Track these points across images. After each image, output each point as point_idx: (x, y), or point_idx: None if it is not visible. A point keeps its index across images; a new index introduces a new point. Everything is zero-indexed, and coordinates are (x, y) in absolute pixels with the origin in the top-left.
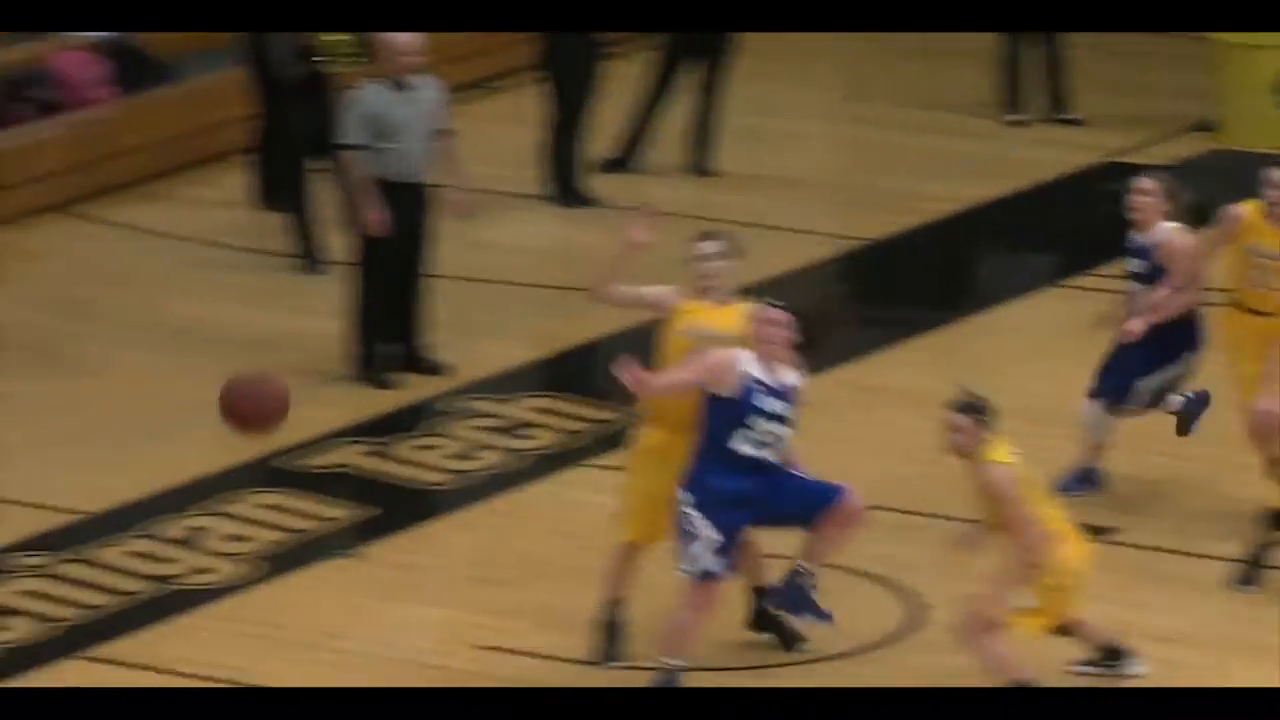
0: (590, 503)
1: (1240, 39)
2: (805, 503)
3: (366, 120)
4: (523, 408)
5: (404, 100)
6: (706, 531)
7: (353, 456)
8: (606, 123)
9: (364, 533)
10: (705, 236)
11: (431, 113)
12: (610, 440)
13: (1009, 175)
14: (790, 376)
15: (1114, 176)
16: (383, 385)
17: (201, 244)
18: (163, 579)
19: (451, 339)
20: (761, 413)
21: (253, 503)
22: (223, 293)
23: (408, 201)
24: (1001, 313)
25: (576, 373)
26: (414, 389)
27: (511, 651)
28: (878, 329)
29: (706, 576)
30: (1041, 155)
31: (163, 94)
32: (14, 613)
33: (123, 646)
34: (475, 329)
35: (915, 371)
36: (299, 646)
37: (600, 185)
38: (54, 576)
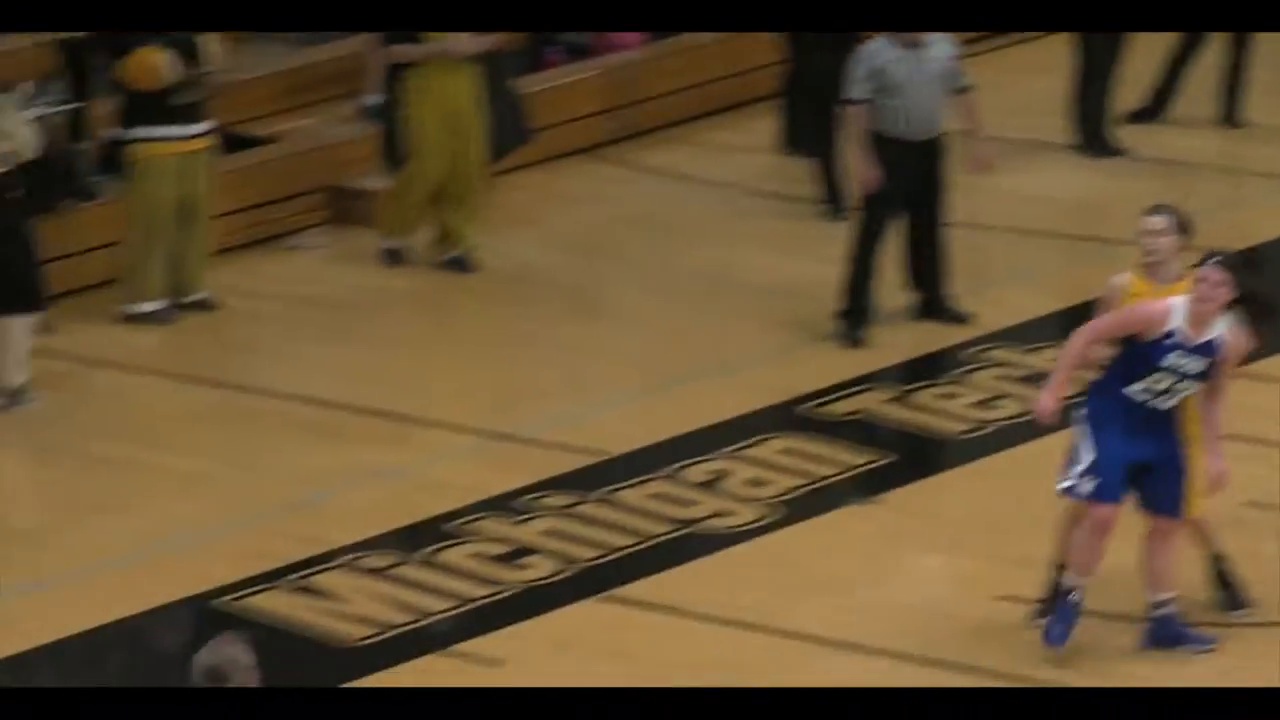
0: None
1: None
2: (1160, 494)
3: (872, 75)
4: (1044, 358)
5: (910, 57)
6: (1086, 454)
7: (873, 403)
8: (1138, 73)
9: (882, 480)
10: (1154, 210)
11: (943, 70)
12: None
13: None
14: (1216, 334)
15: None
16: (856, 343)
17: (727, 189)
18: (684, 522)
19: (974, 288)
20: (1170, 369)
21: (774, 448)
22: (747, 239)
23: (916, 156)
24: None
25: None
26: (936, 336)
27: (1028, 601)
28: None
29: (1075, 494)
30: None
31: (693, 40)
32: (535, 551)
33: (640, 587)
34: (997, 278)
35: None
36: (815, 591)
37: (1128, 136)
38: (576, 517)
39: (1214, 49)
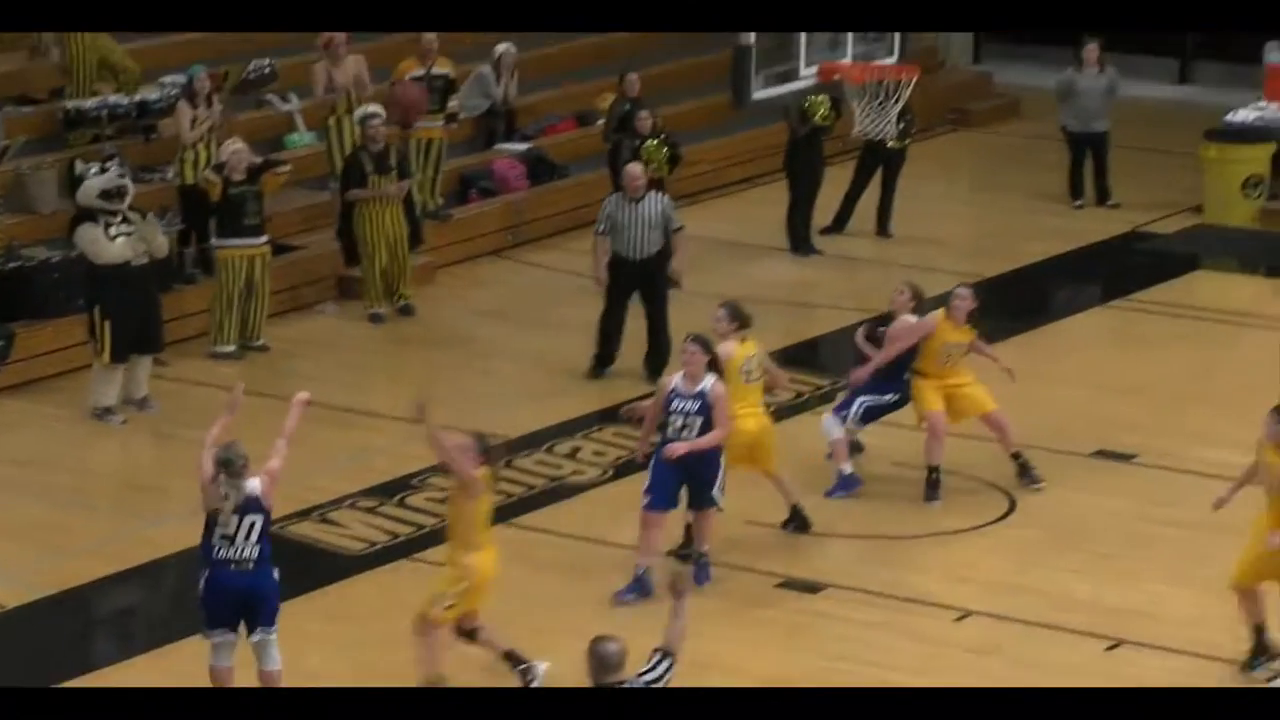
0: None
1: (1219, 155)
2: (695, 494)
3: (607, 218)
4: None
5: (631, 207)
6: (648, 478)
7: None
8: (828, 201)
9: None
10: (721, 304)
11: (659, 216)
12: None
13: (1075, 239)
14: (705, 386)
15: (1137, 239)
16: (598, 376)
17: (584, 278)
18: (554, 478)
19: None
20: (677, 412)
21: (607, 433)
22: (593, 307)
23: (638, 269)
24: (1068, 321)
25: None
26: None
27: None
28: (994, 329)
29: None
30: (1096, 227)
31: (557, 184)
32: None
33: (530, 518)
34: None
35: (1015, 356)
36: (631, 519)
37: (821, 242)
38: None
39: (873, 186)
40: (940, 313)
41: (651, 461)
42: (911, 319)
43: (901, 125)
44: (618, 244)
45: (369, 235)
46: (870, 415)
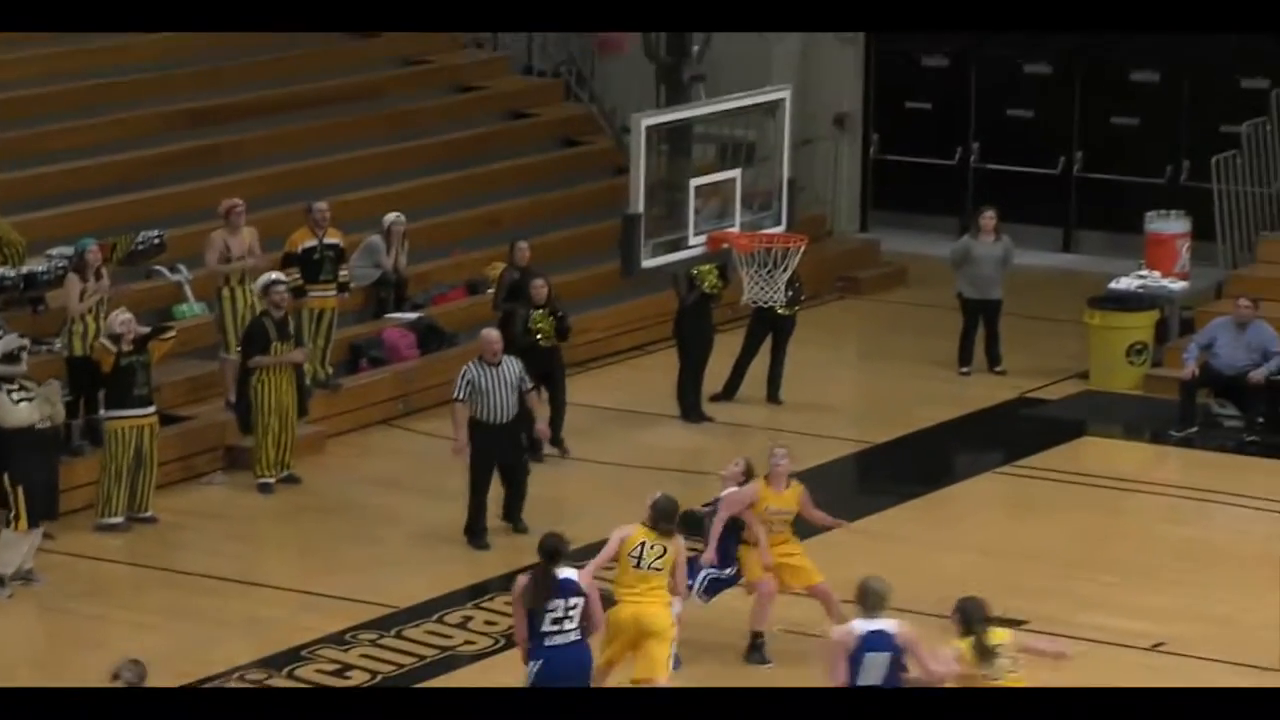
0: None
1: (1103, 322)
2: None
3: (468, 384)
4: None
5: (491, 372)
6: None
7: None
8: (717, 371)
9: None
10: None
11: (515, 380)
12: None
13: (963, 405)
14: None
15: (1024, 405)
16: (480, 549)
17: None
18: (444, 648)
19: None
20: None
21: (498, 602)
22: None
23: (500, 433)
24: (958, 487)
25: None
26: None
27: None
28: (885, 495)
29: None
30: (984, 393)
31: (448, 353)
32: (353, 667)
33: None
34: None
35: (905, 522)
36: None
37: (711, 409)
38: (379, 645)
39: (763, 353)
40: (760, 480)
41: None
42: (734, 489)
43: (790, 293)
44: (478, 409)
45: (265, 402)
46: (714, 588)
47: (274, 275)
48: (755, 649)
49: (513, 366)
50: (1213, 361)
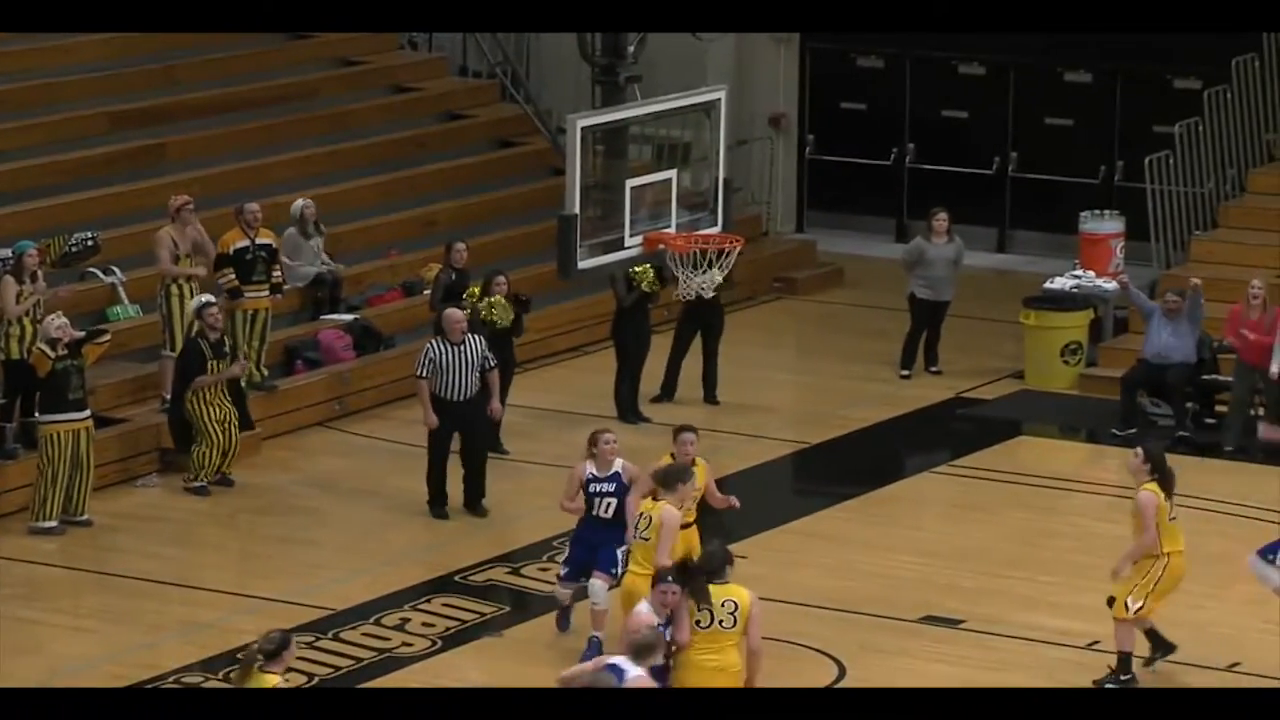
0: None
1: (1038, 321)
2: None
3: (430, 362)
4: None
5: (454, 350)
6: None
7: (497, 574)
8: (653, 371)
9: (506, 622)
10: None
11: (478, 358)
12: None
13: (900, 405)
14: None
15: (961, 405)
16: (440, 518)
17: (407, 446)
18: (381, 650)
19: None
20: (594, 494)
21: (437, 603)
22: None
23: (460, 409)
24: (895, 487)
25: None
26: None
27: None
28: (821, 496)
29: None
30: (920, 393)
31: (384, 355)
32: (290, 669)
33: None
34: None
35: (842, 523)
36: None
37: (649, 410)
38: (316, 648)
39: (696, 356)
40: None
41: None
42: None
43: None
44: (439, 386)
45: (205, 416)
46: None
47: (205, 298)
48: None
49: (476, 345)
50: (1147, 356)
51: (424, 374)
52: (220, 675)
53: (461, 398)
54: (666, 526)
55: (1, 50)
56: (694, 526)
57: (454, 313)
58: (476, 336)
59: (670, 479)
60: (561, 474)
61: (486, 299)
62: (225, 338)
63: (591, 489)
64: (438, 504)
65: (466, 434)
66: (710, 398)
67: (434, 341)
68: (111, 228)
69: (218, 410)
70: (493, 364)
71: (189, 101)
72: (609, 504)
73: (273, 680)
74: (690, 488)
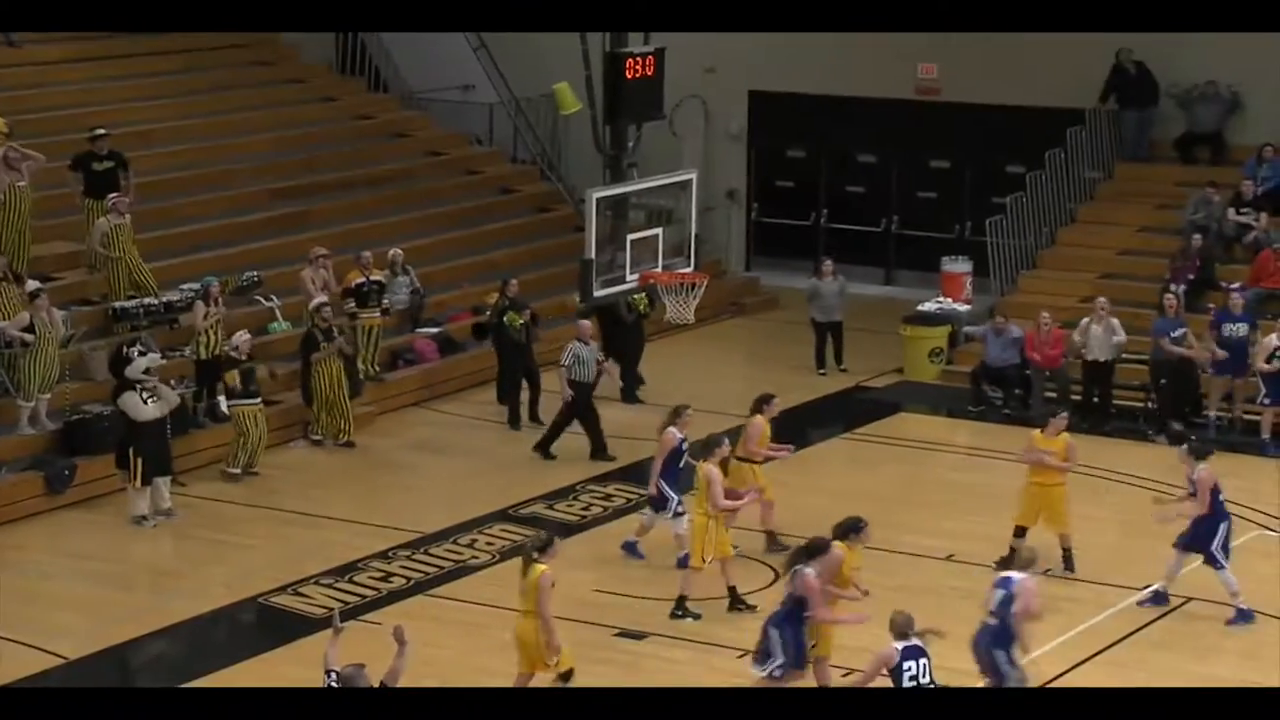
0: None
1: (912, 333)
2: None
3: None
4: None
5: None
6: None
7: (540, 508)
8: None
9: (550, 543)
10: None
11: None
12: None
13: (817, 392)
14: None
15: (859, 392)
16: (548, 458)
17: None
18: (459, 561)
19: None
20: None
21: (497, 529)
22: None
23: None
24: (814, 448)
25: None
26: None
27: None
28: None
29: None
30: (830, 384)
31: (459, 356)
32: (396, 575)
33: (445, 589)
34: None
35: (776, 473)
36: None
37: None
38: (412, 560)
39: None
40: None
41: None
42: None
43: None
44: (576, 373)
45: (320, 385)
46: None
47: (319, 300)
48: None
49: (594, 347)
50: (986, 359)
51: (566, 363)
52: (347, 579)
53: (589, 379)
54: (710, 480)
55: (194, 147)
56: (747, 464)
57: (585, 323)
58: (594, 342)
59: (706, 447)
60: (584, 441)
61: (510, 313)
62: (333, 328)
63: (682, 447)
64: (546, 452)
65: (589, 405)
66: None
67: (574, 342)
68: (271, 268)
69: (329, 381)
70: (603, 358)
71: (324, 182)
72: (686, 458)
73: (541, 569)
74: (724, 449)
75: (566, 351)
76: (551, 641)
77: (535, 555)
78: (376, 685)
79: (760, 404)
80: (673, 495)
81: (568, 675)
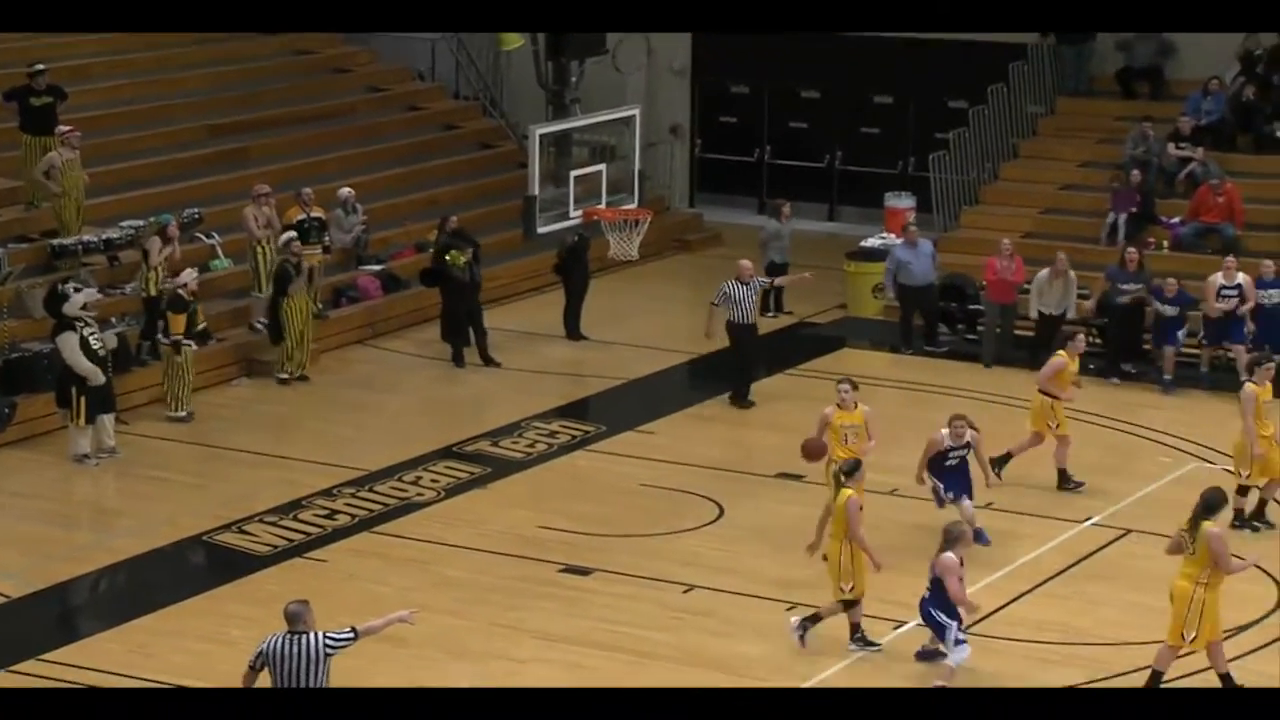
0: None
1: (856, 269)
2: None
3: None
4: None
5: None
6: None
7: (484, 445)
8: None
9: (487, 478)
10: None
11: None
12: None
13: (763, 327)
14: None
15: (804, 328)
16: None
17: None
18: (402, 499)
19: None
20: None
21: (441, 466)
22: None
23: None
24: (760, 384)
25: None
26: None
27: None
28: (708, 390)
29: None
30: (777, 320)
31: (403, 293)
32: (340, 513)
33: (389, 526)
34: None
35: (723, 408)
36: (462, 525)
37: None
38: (354, 498)
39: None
40: (834, 407)
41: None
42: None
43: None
44: (732, 314)
45: (292, 319)
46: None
47: (289, 235)
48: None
49: (755, 285)
50: (905, 279)
51: (718, 302)
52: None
53: (748, 321)
54: (849, 510)
55: (135, 80)
56: (1050, 399)
57: (745, 263)
58: (756, 279)
59: (848, 471)
60: (527, 377)
61: (452, 251)
62: (303, 261)
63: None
64: (743, 399)
65: (749, 340)
66: (573, 333)
67: (729, 282)
68: (212, 205)
69: (299, 314)
70: (768, 284)
71: (265, 117)
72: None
73: (848, 493)
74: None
75: (719, 291)
76: (870, 560)
77: (842, 479)
78: (318, 627)
79: (1064, 340)
80: (939, 483)
81: (851, 606)
